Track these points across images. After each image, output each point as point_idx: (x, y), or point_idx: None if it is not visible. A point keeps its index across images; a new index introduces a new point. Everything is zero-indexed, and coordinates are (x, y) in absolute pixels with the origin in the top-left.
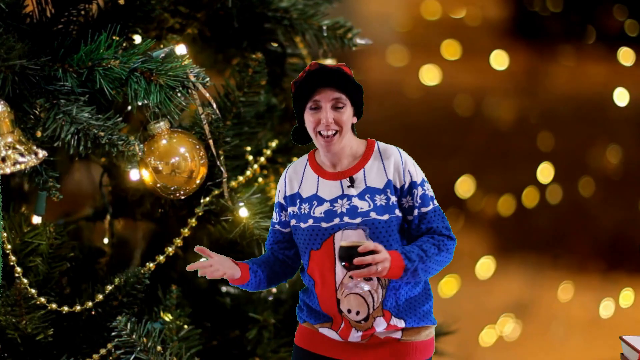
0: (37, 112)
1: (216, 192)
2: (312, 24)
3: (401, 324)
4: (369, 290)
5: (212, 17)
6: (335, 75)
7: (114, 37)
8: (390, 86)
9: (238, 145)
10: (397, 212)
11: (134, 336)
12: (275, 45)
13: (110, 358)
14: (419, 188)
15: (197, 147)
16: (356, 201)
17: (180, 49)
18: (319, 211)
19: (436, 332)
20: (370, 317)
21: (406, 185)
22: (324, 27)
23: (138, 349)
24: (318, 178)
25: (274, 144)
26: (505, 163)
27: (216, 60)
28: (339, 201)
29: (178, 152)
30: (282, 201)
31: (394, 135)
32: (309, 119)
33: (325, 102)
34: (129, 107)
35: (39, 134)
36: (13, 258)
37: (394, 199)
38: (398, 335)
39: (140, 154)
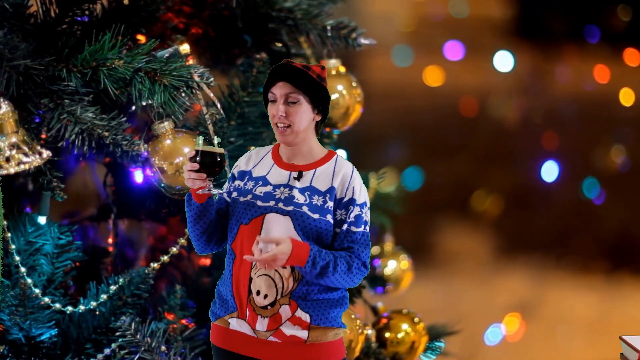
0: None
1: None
2: (317, 24)
3: (306, 318)
4: (280, 275)
5: (216, 17)
6: (293, 72)
7: (118, 37)
8: (394, 86)
9: (242, 145)
10: (329, 218)
11: (138, 336)
12: (280, 45)
13: (115, 358)
14: (357, 208)
15: None
16: (295, 193)
17: (184, 49)
18: (259, 190)
19: (440, 332)
20: (277, 302)
21: (345, 199)
22: (328, 27)
23: (142, 349)
24: (273, 164)
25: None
26: (510, 163)
27: (220, 60)
28: (281, 188)
29: (182, 152)
30: (235, 173)
31: (398, 135)
32: (269, 111)
33: (280, 96)
34: (133, 107)
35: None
36: (17, 258)
37: (330, 204)
38: (304, 335)
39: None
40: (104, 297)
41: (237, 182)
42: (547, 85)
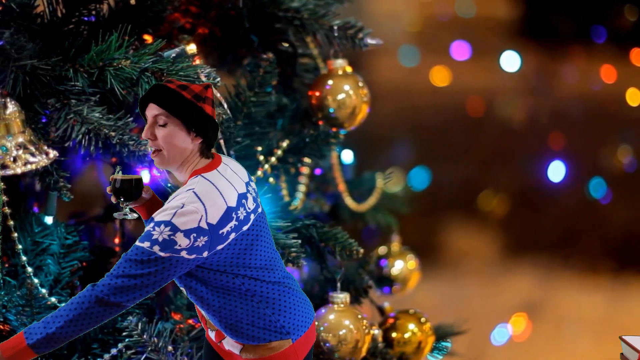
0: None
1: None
2: (323, 24)
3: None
4: None
5: (223, 17)
6: (161, 92)
7: (124, 37)
8: (401, 86)
9: (249, 145)
10: None
11: (144, 336)
12: (286, 45)
13: (121, 358)
14: (151, 224)
15: None
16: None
17: (191, 49)
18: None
19: (447, 332)
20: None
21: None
22: (335, 27)
23: (149, 349)
24: None
25: (284, 143)
26: (516, 163)
27: (227, 60)
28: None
29: None
30: None
31: (405, 135)
32: None
33: (149, 118)
34: None
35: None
36: (24, 258)
37: None
38: (238, 351)
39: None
40: None
41: None
42: (553, 85)
